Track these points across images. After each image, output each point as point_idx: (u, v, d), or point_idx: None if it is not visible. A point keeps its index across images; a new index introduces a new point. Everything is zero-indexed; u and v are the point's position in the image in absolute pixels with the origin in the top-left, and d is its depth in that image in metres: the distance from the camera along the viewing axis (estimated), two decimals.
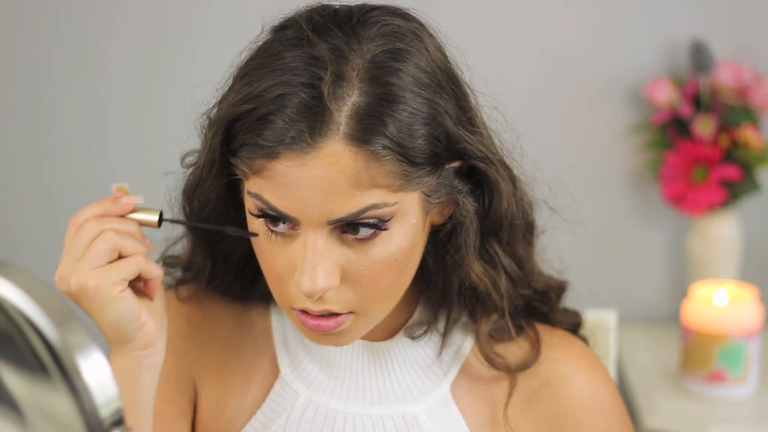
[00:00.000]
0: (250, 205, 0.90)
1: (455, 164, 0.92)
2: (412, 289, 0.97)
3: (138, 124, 2.04)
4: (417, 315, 1.00)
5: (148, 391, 0.89)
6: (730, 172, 1.91)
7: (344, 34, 0.88)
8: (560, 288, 1.05)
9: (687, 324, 1.79)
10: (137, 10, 2.01)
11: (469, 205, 0.93)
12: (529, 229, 1.00)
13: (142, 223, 0.90)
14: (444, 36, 0.97)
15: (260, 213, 0.89)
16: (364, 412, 0.99)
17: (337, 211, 0.86)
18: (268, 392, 1.03)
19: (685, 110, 1.93)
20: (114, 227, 0.87)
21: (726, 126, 1.92)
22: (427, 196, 0.90)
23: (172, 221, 0.94)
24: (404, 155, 0.86)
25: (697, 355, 1.77)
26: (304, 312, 0.91)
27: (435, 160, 0.89)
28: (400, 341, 1.00)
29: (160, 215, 0.91)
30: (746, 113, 1.93)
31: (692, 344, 1.78)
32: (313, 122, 0.85)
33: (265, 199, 0.87)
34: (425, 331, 0.99)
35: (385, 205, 0.87)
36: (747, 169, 1.93)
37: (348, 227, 0.87)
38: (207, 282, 1.03)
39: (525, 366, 0.99)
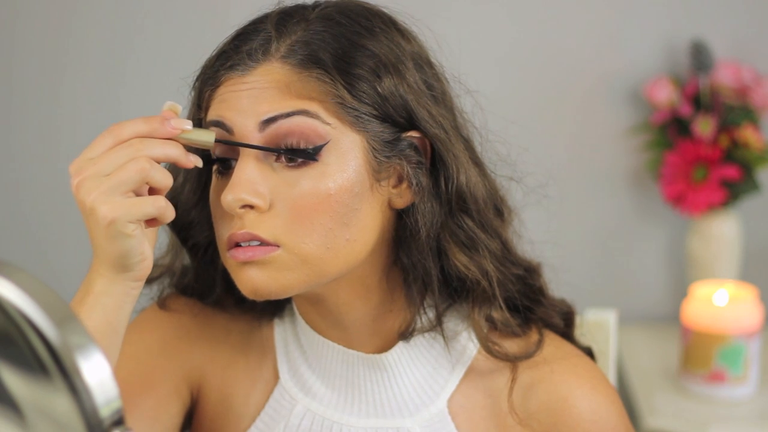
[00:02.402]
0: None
1: (413, 134, 0.93)
2: (401, 293, 0.97)
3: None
4: (407, 315, 0.99)
5: (125, 319, 0.88)
6: (730, 172, 1.91)
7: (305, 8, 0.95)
8: (539, 266, 1.04)
9: (687, 324, 1.79)
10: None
11: (422, 178, 0.93)
12: (499, 206, 0.99)
13: (195, 144, 0.88)
14: (440, 38, 0.98)
15: (215, 157, 0.92)
16: (360, 424, 0.99)
17: (268, 110, 0.89)
18: (268, 398, 1.03)
19: (685, 110, 1.93)
20: (153, 153, 0.85)
21: (726, 126, 1.92)
22: (374, 149, 0.91)
23: (225, 142, 0.92)
24: (340, 80, 0.89)
25: (697, 355, 1.77)
26: (236, 247, 0.90)
27: (383, 111, 0.91)
28: (398, 353, 0.99)
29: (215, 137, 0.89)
30: (746, 113, 1.93)
31: (692, 344, 1.78)
32: (253, 49, 0.91)
33: (209, 120, 0.91)
34: (414, 329, 0.98)
35: (318, 117, 0.89)
36: (747, 169, 1.93)
37: (282, 156, 0.89)
38: (200, 298, 1.05)
39: (525, 356, 0.98)
